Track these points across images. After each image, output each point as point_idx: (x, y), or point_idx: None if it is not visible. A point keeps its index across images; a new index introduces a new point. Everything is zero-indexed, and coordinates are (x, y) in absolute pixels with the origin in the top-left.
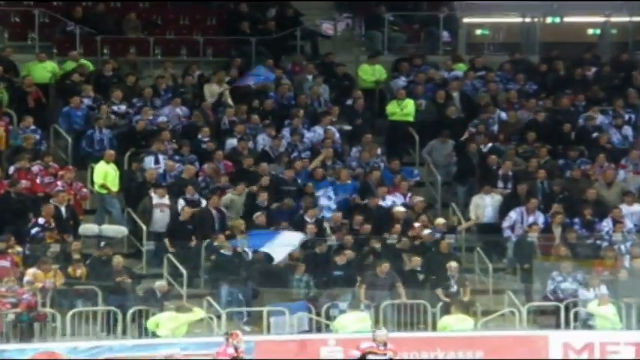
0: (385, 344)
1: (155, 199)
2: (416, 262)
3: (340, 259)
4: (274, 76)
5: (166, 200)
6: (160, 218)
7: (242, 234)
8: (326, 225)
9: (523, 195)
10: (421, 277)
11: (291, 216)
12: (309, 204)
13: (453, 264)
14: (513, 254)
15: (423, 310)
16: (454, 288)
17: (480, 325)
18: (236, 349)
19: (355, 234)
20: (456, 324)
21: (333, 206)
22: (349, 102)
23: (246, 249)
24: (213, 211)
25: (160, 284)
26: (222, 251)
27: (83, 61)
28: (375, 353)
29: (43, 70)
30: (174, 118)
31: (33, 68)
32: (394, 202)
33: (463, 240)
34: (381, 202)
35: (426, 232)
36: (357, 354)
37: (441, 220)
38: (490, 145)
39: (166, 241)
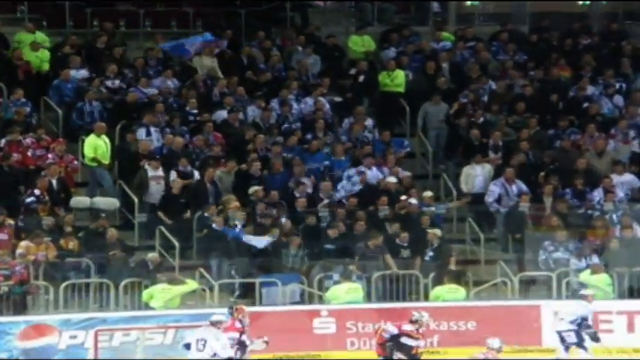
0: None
1: (150, 172)
2: (395, 228)
3: (332, 233)
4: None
5: (160, 172)
6: (156, 190)
7: (235, 209)
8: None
9: (516, 165)
10: (405, 252)
11: (282, 183)
12: (300, 173)
13: (432, 231)
14: (504, 225)
15: (414, 281)
16: (428, 256)
17: (472, 295)
18: (241, 323)
19: (342, 206)
20: (448, 294)
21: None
22: (352, 72)
23: (237, 221)
24: (208, 185)
25: (152, 256)
26: (213, 225)
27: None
28: (412, 337)
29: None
30: (165, 90)
31: (22, 39)
32: (382, 174)
33: (454, 210)
34: (369, 173)
35: (412, 201)
36: (395, 331)
37: (428, 193)
38: (482, 119)
39: (160, 213)
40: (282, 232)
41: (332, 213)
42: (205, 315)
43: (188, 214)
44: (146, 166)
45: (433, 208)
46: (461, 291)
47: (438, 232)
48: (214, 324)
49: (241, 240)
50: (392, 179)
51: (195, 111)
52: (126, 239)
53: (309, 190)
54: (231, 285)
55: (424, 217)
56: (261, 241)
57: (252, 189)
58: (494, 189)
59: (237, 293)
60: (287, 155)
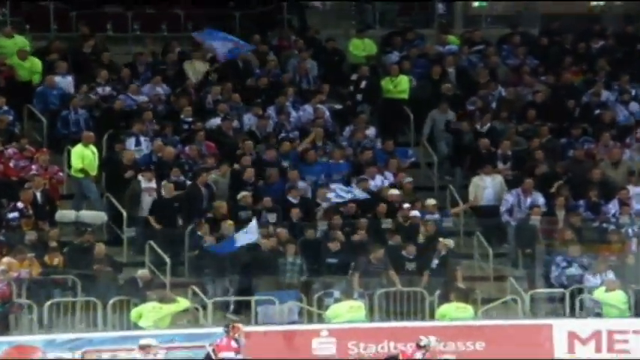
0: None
1: (143, 183)
2: (396, 240)
3: (333, 246)
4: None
5: (154, 184)
6: (149, 203)
7: (225, 220)
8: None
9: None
10: (410, 264)
11: (277, 192)
12: (294, 179)
13: (444, 241)
14: (515, 239)
15: (419, 298)
16: (433, 265)
17: (480, 313)
18: (237, 343)
19: (342, 216)
20: (455, 312)
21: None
22: (353, 77)
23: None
24: (202, 189)
25: (142, 273)
26: (205, 245)
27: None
28: None
29: (14, 46)
30: (155, 97)
31: (2, 44)
32: (383, 182)
33: (461, 224)
34: (371, 182)
35: (414, 213)
36: None
37: (431, 201)
38: (489, 124)
39: (151, 218)
40: (278, 240)
41: (329, 222)
42: (199, 335)
43: (180, 222)
44: (139, 178)
45: (437, 216)
46: (469, 309)
47: (450, 242)
48: (143, 348)
49: (235, 247)
50: (394, 191)
51: (190, 119)
52: (114, 255)
53: (306, 195)
54: (225, 303)
55: (428, 225)
56: (251, 230)
57: (241, 194)
58: (509, 198)
59: (231, 309)
60: (284, 164)
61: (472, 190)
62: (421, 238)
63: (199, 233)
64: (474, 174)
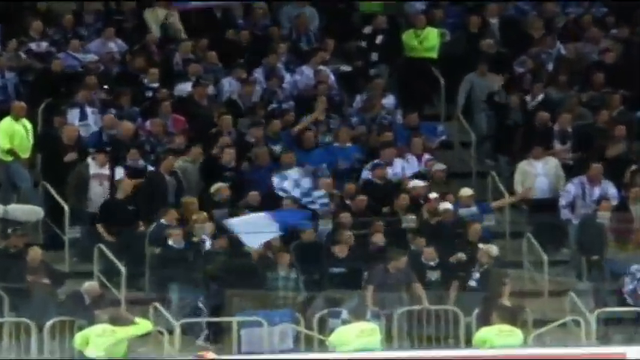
0: None
1: (93, 168)
2: (420, 243)
3: (340, 251)
4: None
5: (106, 170)
6: (98, 194)
7: (196, 216)
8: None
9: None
10: (433, 274)
11: (264, 183)
12: (289, 162)
13: (486, 247)
14: (577, 242)
15: (452, 319)
16: (473, 280)
17: (531, 339)
18: None
19: (352, 212)
20: (499, 338)
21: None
22: (366, 31)
23: (204, 236)
24: (167, 178)
25: (89, 286)
26: (170, 242)
27: None
28: None
29: None
30: (107, 56)
31: None
32: (404, 169)
33: (507, 222)
34: (388, 169)
35: (446, 206)
36: None
37: (467, 191)
38: (542, 95)
39: (99, 226)
40: (267, 246)
41: (333, 219)
42: None
43: (141, 227)
44: (89, 161)
45: (474, 210)
46: (516, 334)
47: (493, 249)
48: None
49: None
50: (419, 182)
51: (152, 85)
52: (53, 262)
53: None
54: (197, 325)
55: (473, 226)
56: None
57: (216, 186)
58: (572, 189)
59: (204, 334)
60: (274, 148)
61: (518, 179)
62: (459, 243)
63: (163, 221)
64: (522, 157)
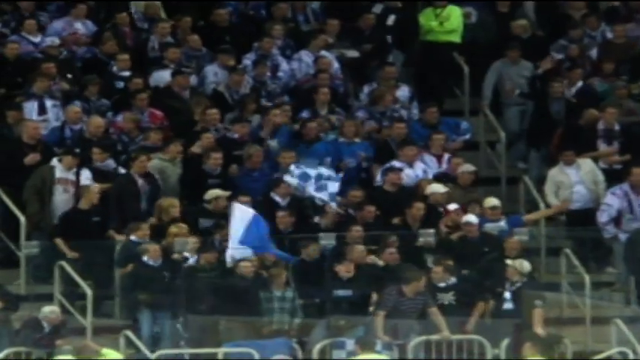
0: None
1: (59, 172)
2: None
3: (345, 270)
4: None
5: (72, 175)
6: (63, 202)
7: (175, 229)
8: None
9: None
10: (446, 296)
11: (256, 188)
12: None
13: (516, 263)
14: (625, 260)
15: (477, 350)
16: (508, 303)
17: None
18: None
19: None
20: None
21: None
22: (377, 10)
23: (187, 254)
24: (140, 181)
25: (49, 311)
26: (144, 258)
27: None
28: None
29: None
30: (71, 39)
31: None
32: (422, 172)
33: (542, 237)
34: (403, 172)
35: (470, 219)
36: None
37: (492, 201)
38: (580, 82)
39: (58, 241)
40: (260, 264)
41: (338, 233)
42: None
43: (111, 240)
44: (54, 163)
45: (502, 224)
46: None
47: (526, 265)
48: None
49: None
50: (439, 188)
51: (125, 73)
52: (6, 283)
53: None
54: (176, 357)
55: (511, 242)
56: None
57: (212, 193)
58: (613, 202)
59: None
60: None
61: (550, 186)
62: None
63: (134, 238)
64: (556, 161)
